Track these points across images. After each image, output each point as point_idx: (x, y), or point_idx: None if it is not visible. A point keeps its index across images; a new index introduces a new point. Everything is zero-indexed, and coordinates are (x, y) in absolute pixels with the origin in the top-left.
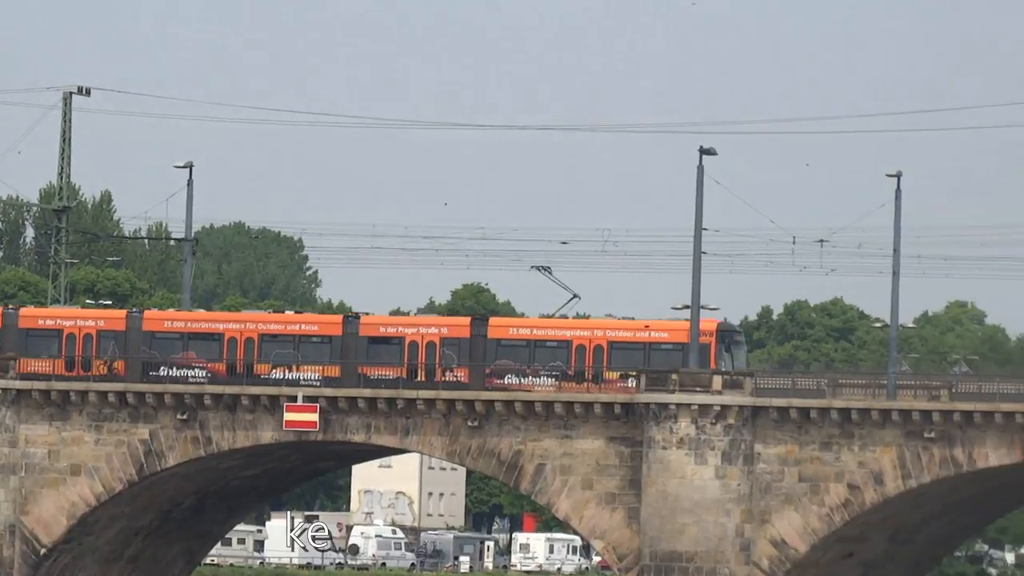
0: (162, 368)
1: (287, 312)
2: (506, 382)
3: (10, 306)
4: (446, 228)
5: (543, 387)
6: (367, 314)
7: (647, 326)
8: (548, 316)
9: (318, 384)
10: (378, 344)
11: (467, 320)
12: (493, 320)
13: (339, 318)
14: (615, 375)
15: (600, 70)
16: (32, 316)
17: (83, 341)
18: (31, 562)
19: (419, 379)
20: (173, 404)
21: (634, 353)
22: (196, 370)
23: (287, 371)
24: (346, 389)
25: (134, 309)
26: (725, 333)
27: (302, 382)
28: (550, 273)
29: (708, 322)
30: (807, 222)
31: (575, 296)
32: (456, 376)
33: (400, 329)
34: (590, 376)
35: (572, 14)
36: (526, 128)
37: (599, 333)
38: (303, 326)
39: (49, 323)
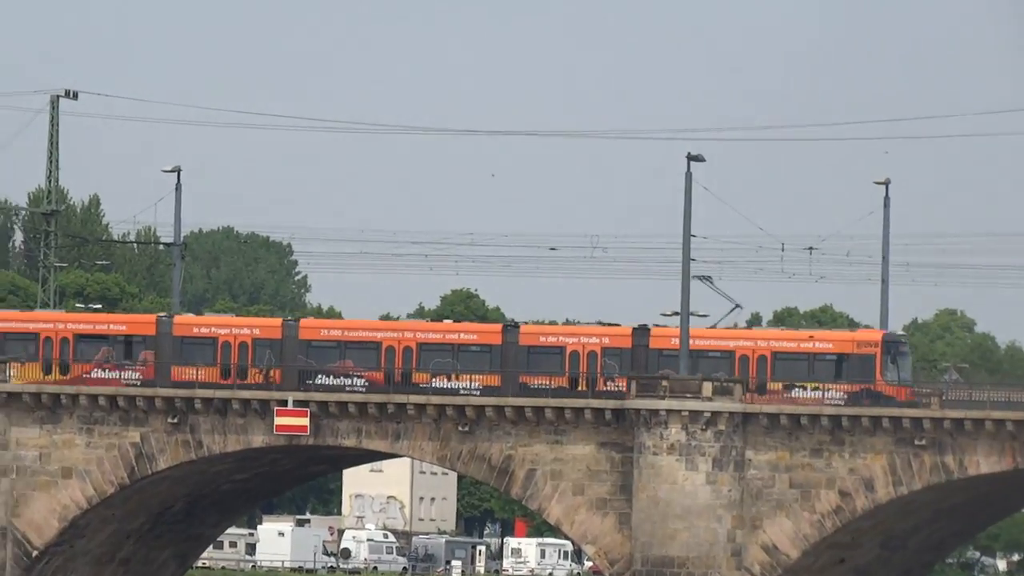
0: (319, 377)
1: (446, 321)
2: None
3: (165, 314)
4: (435, 233)
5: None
6: (527, 323)
7: (811, 336)
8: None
9: (478, 393)
10: (538, 354)
11: (628, 330)
12: (655, 330)
13: (498, 327)
14: (778, 385)
15: (588, 76)
16: (187, 324)
17: (238, 349)
18: (23, 564)
19: (580, 388)
20: (164, 407)
21: (797, 364)
22: (353, 379)
23: (446, 380)
24: (336, 394)
25: (290, 317)
26: (891, 344)
27: (461, 392)
28: (712, 283)
29: (873, 332)
30: (796, 229)
31: (737, 306)
32: (617, 386)
33: (561, 339)
34: (753, 387)
35: (561, 21)
36: (515, 134)
37: (762, 344)
38: (462, 335)
39: (204, 331)
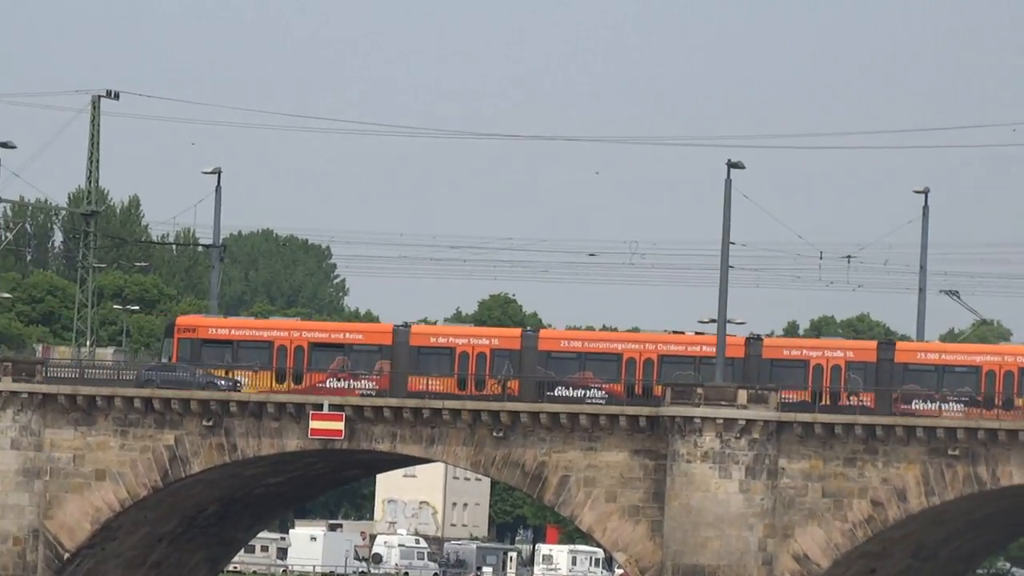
0: (558, 388)
1: (686, 333)
2: (913, 407)
3: (402, 324)
4: (473, 238)
5: (951, 413)
6: (769, 335)
7: None
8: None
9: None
10: (781, 367)
11: (873, 344)
12: (900, 344)
13: (741, 340)
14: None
15: (629, 82)
16: (423, 334)
17: (476, 360)
18: (54, 567)
19: (823, 403)
20: (199, 410)
21: None
22: (593, 390)
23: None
24: (371, 398)
25: (529, 328)
26: None
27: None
28: (958, 297)
29: None
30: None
31: (983, 321)
32: (861, 400)
33: (805, 352)
34: (999, 402)
35: (602, 25)
36: (554, 139)
37: (1009, 359)
38: (704, 347)
39: (441, 341)
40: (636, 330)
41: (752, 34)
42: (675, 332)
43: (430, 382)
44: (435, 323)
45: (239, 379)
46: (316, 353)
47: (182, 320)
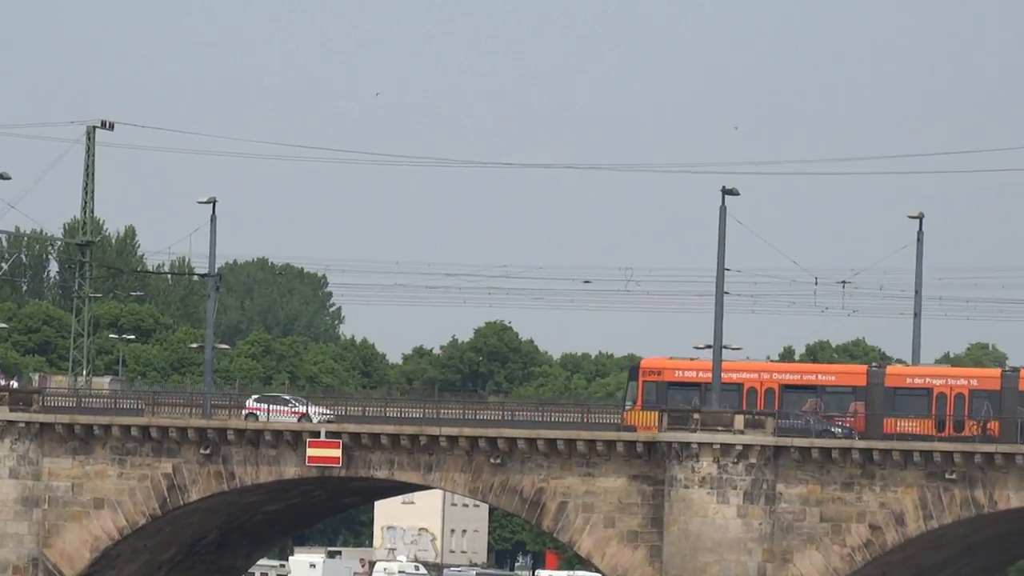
0: None
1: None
2: None
3: (875, 364)
4: (468, 266)
5: None
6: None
7: None
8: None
9: None
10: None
11: (998, 372)
12: None
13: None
14: None
15: (624, 108)
16: (900, 375)
17: (954, 401)
18: None
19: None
20: (196, 438)
21: None
22: None
23: None
24: (369, 425)
25: (1009, 368)
26: None
27: None
28: None
29: None
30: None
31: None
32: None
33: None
34: None
35: (596, 52)
36: (550, 166)
37: None
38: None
39: (917, 381)
40: (632, 356)
41: (747, 60)
42: None
43: (906, 424)
44: (430, 350)
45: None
46: (787, 395)
47: (647, 363)
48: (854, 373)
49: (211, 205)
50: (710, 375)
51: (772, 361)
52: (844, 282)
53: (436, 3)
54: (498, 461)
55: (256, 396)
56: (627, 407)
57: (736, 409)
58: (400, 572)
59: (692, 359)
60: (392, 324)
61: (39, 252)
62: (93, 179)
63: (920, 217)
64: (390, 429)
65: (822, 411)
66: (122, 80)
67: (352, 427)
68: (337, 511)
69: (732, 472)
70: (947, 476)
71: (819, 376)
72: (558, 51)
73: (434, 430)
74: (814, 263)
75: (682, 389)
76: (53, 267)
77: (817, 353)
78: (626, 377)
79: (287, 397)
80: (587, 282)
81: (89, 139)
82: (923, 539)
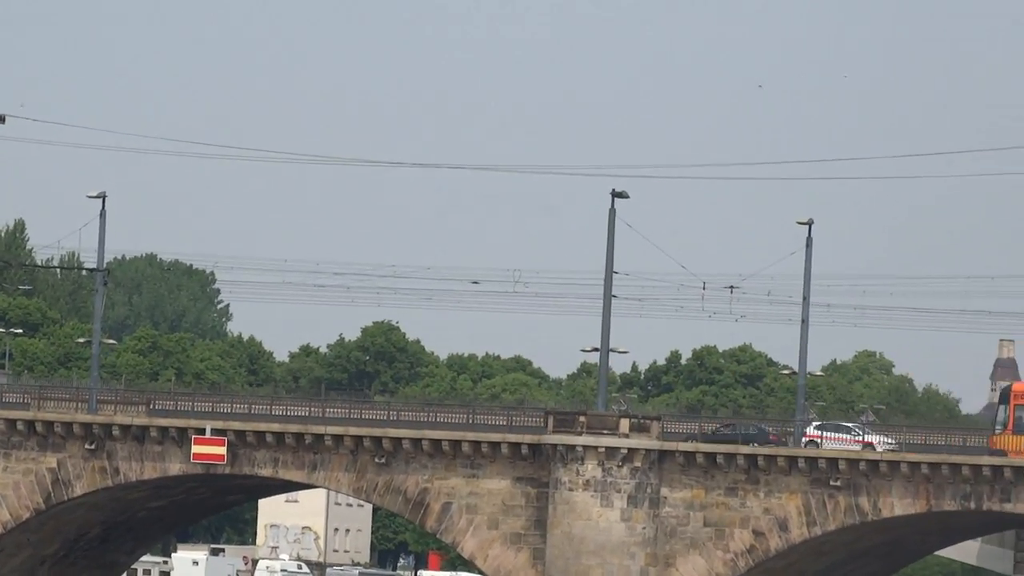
0: None
1: None
2: None
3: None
4: (356, 265)
5: None
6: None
7: None
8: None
9: None
10: None
11: None
12: None
13: None
14: None
15: (515, 111)
16: None
17: None
18: None
19: None
20: (81, 434)
21: None
22: None
23: None
24: (254, 423)
25: None
26: None
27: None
28: None
29: None
30: (717, 268)
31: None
32: None
33: None
34: None
35: (488, 54)
36: (439, 167)
37: None
38: None
39: None
40: (519, 358)
41: (637, 63)
42: None
43: None
44: (317, 349)
45: None
46: None
47: (1019, 386)
48: None
49: (101, 200)
50: None
51: None
52: (732, 287)
53: None
54: (383, 461)
55: (817, 423)
56: (997, 431)
57: (622, 412)
58: (283, 570)
59: None
60: (279, 322)
61: None
62: None
63: (809, 223)
64: (275, 427)
65: None
66: (13, 73)
67: (237, 425)
68: (221, 509)
69: (616, 475)
70: (831, 483)
71: None
72: (448, 52)
73: (319, 429)
74: (702, 267)
75: None
76: None
77: (704, 358)
78: (996, 400)
79: (848, 425)
80: (475, 283)
81: None
82: (806, 545)
